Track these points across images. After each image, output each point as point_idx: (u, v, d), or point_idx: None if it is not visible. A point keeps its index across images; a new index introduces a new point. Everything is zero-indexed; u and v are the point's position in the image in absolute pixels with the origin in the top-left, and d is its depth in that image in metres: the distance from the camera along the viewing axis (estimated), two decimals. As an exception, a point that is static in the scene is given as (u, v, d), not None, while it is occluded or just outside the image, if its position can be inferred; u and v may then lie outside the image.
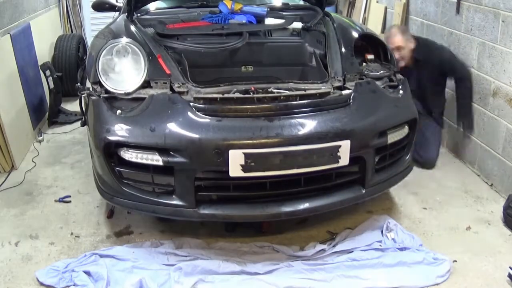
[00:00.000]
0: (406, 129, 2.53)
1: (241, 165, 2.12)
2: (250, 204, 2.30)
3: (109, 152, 2.27)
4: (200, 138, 2.13)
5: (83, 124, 2.59)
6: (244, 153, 2.10)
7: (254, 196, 2.33)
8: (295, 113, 2.23)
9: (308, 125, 2.20)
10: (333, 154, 2.19)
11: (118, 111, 2.27)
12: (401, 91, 2.58)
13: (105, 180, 2.38)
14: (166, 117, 2.20)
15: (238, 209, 2.29)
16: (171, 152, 2.16)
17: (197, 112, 2.21)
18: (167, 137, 2.15)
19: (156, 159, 2.18)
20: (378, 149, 2.40)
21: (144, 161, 2.20)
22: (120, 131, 2.21)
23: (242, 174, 2.14)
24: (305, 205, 2.31)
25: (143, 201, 2.31)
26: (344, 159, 2.22)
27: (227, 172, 2.14)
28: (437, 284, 2.22)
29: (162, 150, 2.17)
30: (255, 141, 2.12)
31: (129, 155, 2.22)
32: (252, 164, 2.12)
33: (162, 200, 2.29)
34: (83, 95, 2.46)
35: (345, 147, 2.20)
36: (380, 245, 2.46)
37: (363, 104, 2.36)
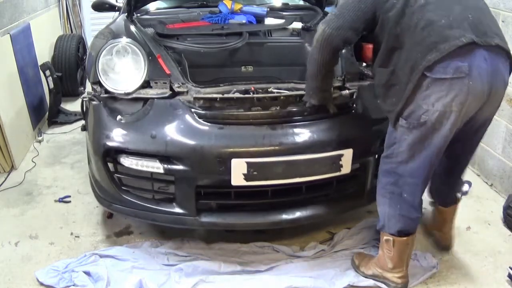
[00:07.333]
0: None
1: (244, 174, 2.10)
2: (252, 212, 2.29)
3: (109, 158, 2.25)
4: (202, 146, 2.11)
5: (83, 129, 2.57)
6: (247, 162, 2.09)
7: (255, 204, 2.31)
8: (298, 121, 2.21)
9: (311, 134, 2.18)
10: (335, 163, 2.18)
11: (119, 117, 2.25)
12: None
13: (103, 186, 2.35)
14: (167, 124, 2.17)
15: (240, 217, 2.27)
16: (172, 160, 2.14)
17: (199, 119, 2.19)
18: (168, 145, 2.12)
19: (156, 167, 2.15)
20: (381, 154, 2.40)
21: (144, 168, 2.18)
22: (120, 137, 2.19)
23: (244, 183, 2.12)
24: (306, 212, 2.30)
25: (143, 208, 2.28)
26: (346, 168, 2.21)
27: (229, 180, 2.12)
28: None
29: (163, 158, 2.15)
30: (258, 150, 2.11)
31: (129, 162, 2.20)
32: (255, 173, 2.10)
33: (162, 208, 2.26)
34: (85, 99, 2.45)
35: (347, 156, 2.19)
36: (377, 243, 2.46)
37: (366, 110, 2.34)
